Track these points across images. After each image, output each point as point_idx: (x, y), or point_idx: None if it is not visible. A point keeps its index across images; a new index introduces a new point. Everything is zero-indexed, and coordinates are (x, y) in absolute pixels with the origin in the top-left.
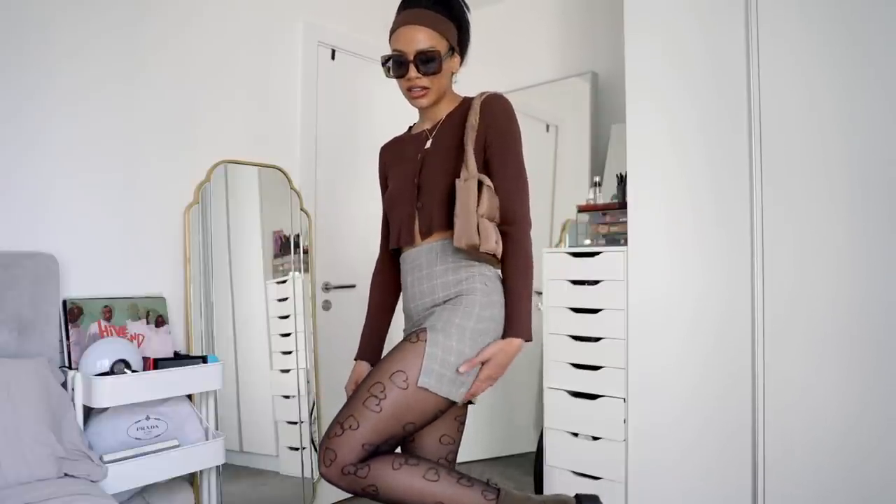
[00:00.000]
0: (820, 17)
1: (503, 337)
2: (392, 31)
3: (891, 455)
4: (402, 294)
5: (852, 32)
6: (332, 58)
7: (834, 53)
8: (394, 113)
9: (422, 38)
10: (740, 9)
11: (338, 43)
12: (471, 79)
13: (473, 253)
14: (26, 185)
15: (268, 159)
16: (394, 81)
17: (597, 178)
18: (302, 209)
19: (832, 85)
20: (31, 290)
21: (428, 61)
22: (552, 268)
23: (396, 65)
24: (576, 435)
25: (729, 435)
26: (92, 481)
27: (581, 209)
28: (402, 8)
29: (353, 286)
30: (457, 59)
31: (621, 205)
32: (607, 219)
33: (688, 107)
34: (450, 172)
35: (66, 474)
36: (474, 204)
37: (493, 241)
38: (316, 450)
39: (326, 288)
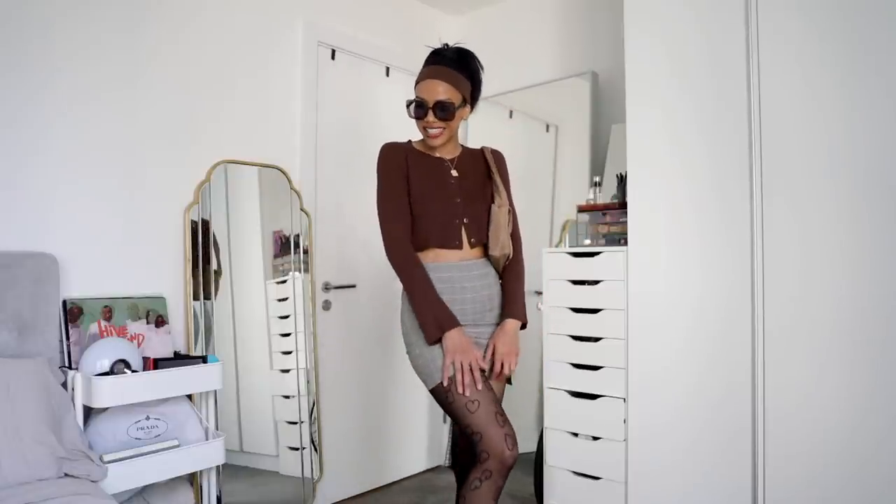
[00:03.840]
0: (820, 17)
1: (503, 318)
2: (417, 81)
3: (893, 455)
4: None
5: (852, 30)
6: (332, 58)
7: (834, 52)
8: (393, 113)
9: (441, 91)
10: (740, 8)
11: (338, 43)
12: None
13: (502, 259)
14: (27, 186)
15: (268, 159)
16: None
17: (597, 178)
18: (302, 209)
19: (833, 83)
20: (32, 290)
21: (444, 110)
22: (552, 268)
23: (418, 108)
24: (576, 435)
25: (729, 435)
26: (92, 481)
27: (581, 209)
28: (428, 62)
29: (353, 286)
30: (467, 108)
31: (621, 205)
32: (607, 219)
33: (688, 107)
34: (486, 201)
35: (66, 474)
36: (506, 223)
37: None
38: (316, 450)
39: (326, 288)
